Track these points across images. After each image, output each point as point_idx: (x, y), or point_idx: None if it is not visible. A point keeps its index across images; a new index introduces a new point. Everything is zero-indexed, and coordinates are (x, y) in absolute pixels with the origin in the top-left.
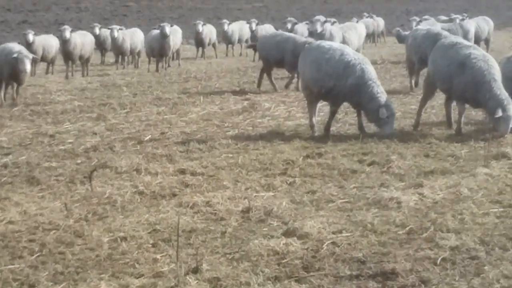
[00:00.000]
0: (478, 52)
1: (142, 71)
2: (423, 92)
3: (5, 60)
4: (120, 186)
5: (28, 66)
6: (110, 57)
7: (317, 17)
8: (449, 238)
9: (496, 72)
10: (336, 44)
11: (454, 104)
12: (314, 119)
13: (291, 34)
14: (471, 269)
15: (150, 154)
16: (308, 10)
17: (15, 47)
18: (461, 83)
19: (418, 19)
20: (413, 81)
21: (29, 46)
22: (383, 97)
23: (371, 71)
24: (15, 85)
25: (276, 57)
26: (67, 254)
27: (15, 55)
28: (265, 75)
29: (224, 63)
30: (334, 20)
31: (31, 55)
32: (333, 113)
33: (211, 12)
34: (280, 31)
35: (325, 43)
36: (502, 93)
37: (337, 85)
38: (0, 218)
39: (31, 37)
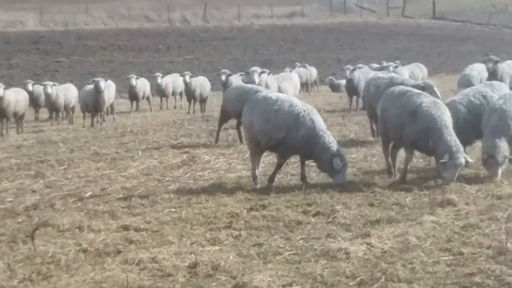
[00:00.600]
0: (428, 99)
1: (77, 127)
2: (381, 140)
3: None
4: (63, 244)
5: None
6: (44, 113)
7: (253, 68)
8: None
9: (447, 118)
10: (282, 95)
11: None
12: (257, 171)
13: (254, 86)
14: None
15: (91, 211)
16: (240, 61)
17: None
18: (413, 131)
19: (351, 67)
20: (375, 128)
21: None
22: (335, 146)
23: (320, 122)
24: None
25: (237, 109)
26: None
27: None
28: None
29: (159, 116)
30: (269, 71)
31: None
32: (279, 166)
33: (142, 65)
34: (241, 84)
35: (272, 94)
36: (453, 139)
37: (287, 137)
38: None
39: None
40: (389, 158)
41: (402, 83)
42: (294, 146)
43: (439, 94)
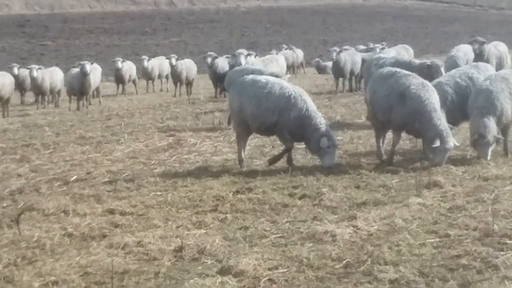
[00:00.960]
0: (417, 80)
1: (63, 110)
2: (371, 123)
3: None
4: (49, 228)
5: None
6: (29, 96)
7: (240, 50)
8: (387, 270)
9: (436, 101)
10: (271, 78)
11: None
12: (243, 154)
13: (257, 68)
14: None
15: (77, 194)
16: (226, 43)
17: None
18: (401, 113)
19: (338, 49)
20: None
21: None
22: (324, 127)
23: (311, 103)
24: None
25: None
26: None
27: None
28: None
29: (145, 99)
30: (255, 53)
31: None
32: (286, 150)
33: (129, 48)
34: (245, 66)
35: (261, 77)
36: (442, 123)
37: (280, 120)
38: None
39: None
40: (379, 142)
41: (409, 63)
42: (287, 128)
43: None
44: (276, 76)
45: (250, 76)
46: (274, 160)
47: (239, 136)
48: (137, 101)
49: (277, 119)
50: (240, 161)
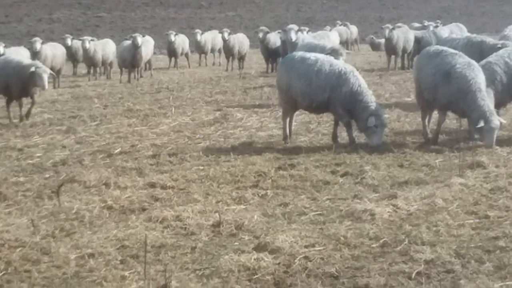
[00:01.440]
0: (463, 60)
1: (114, 82)
2: (417, 102)
3: (17, 74)
4: (89, 201)
5: (46, 83)
6: (82, 68)
7: (290, 26)
8: (424, 251)
9: (482, 81)
10: (321, 55)
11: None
12: (288, 130)
13: (320, 44)
14: (447, 283)
15: (119, 167)
16: (282, 18)
17: (24, 59)
18: (446, 92)
19: (391, 26)
20: None
21: None
22: (374, 105)
23: (362, 80)
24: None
25: None
26: (33, 272)
27: (32, 69)
28: None
29: (197, 73)
30: (308, 29)
31: (48, 70)
32: (348, 125)
33: (184, 22)
34: (309, 41)
35: (310, 55)
36: (486, 104)
37: (331, 97)
38: None
39: (1, 49)
40: (424, 122)
41: (481, 42)
42: (339, 103)
43: None
44: (337, 51)
45: (299, 53)
46: (351, 140)
47: (285, 112)
48: (189, 74)
49: (329, 96)
50: (285, 137)
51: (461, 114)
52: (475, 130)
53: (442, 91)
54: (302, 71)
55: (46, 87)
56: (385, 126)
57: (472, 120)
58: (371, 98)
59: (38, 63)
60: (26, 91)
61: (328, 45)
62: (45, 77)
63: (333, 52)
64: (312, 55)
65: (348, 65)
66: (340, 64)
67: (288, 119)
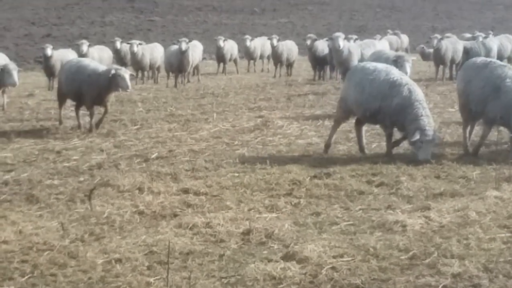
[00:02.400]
0: None
1: (160, 87)
2: (461, 115)
3: (94, 81)
4: (121, 205)
5: (129, 83)
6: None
7: (337, 33)
8: (452, 264)
9: None
10: (381, 65)
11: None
12: (332, 140)
13: (391, 53)
14: None
15: (154, 172)
16: (334, 26)
17: (99, 65)
18: (495, 106)
19: (439, 36)
20: None
21: (47, 60)
22: (425, 120)
23: (419, 92)
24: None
25: None
26: (59, 276)
27: (112, 72)
28: None
29: (244, 79)
30: (356, 37)
31: (129, 71)
32: (388, 136)
33: (236, 27)
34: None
35: (370, 64)
36: None
37: (382, 106)
38: None
39: (49, 51)
40: (465, 134)
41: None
42: (389, 115)
43: None
44: (402, 58)
45: (362, 63)
46: (388, 151)
47: (337, 121)
48: (236, 80)
49: (380, 106)
50: (327, 146)
51: (507, 127)
52: None
53: (491, 105)
54: (358, 80)
55: (130, 87)
56: (432, 141)
57: None
58: (422, 112)
59: (115, 66)
60: (102, 98)
61: (393, 54)
62: (127, 77)
63: (398, 58)
64: (372, 65)
65: (406, 76)
66: (397, 74)
67: (336, 129)
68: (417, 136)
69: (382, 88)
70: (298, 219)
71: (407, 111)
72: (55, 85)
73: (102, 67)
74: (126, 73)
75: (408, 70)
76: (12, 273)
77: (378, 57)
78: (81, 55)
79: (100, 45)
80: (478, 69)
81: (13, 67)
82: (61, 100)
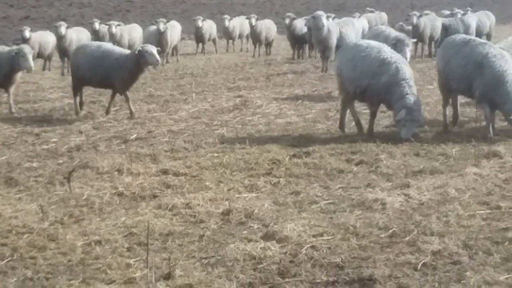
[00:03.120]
0: (495, 50)
1: None
2: (441, 93)
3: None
4: (100, 187)
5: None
6: None
7: (319, 12)
8: (431, 242)
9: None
10: (374, 43)
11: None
12: (345, 120)
13: (386, 31)
14: (452, 275)
15: (134, 153)
16: (313, 4)
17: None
18: (480, 84)
19: (418, 13)
20: None
21: (25, 42)
22: (411, 99)
23: (406, 71)
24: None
25: None
26: (39, 259)
27: (139, 49)
28: None
29: (223, 59)
30: (334, 15)
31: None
32: (373, 115)
33: (214, 7)
34: (378, 28)
35: (363, 42)
36: None
37: (371, 84)
38: None
39: (27, 33)
40: (445, 111)
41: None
42: (378, 93)
43: None
44: (403, 42)
45: (354, 41)
46: (370, 129)
47: (343, 101)
48: (215, 60)
49: (368, 83)
50: (342, 126)
51: (494, 106)
52: (508, 121)
53: (476, 83)
54: (351, 57)
55: (160, 61)
56: (417, 122)
57: (507, 111)
58: (409, 90)
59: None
60: (133, 80)
61: (393, 34)
62: (155, 52)
63: (398, 42)
64: (364, 42)
65: (397, 54)
66: (388, 52)
67: (345, 109)
68: (402, 115)
69: (372, 65)
70: (277, 199)
71: (394, 89)
72: (34, 67)
73: (127, 50)
74: (153, 48)
75: (408, 55)
76: None
77: (376, 35)
78: (60, 36)
79: (78, 27)
80: (458, 47)
81: (28, 50)
82: (78, 87)
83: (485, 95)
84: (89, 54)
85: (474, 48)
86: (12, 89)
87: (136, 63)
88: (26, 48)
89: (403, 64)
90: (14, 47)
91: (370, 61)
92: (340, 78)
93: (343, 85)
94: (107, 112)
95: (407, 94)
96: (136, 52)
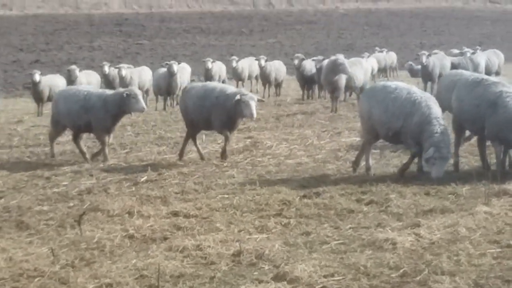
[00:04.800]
0: (508, 88)
1: (149, 110)
2: (454, 133)
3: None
4: (111, 230)
5: (254, 111)
6: None
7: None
8: (443, 281)
9: None
10: (401, 84)
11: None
12: (371, 161)
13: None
14: None
15: (144, 196)
16: (322, 45)
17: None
18: (494, 123)
19: (427, 53)
20: None
21: (35, 86)
22: (439, 137)
23: (437, 110)
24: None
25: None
26: None
27: (237, 97)
28: None
29: None
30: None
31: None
32: (413, 156)
33: (224, 48)
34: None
35: (390, 83)
36: None
37: (404, 126)
38: None
39: (37, 77)
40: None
41: None
42: (410, 133)
43: None
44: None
45: (381, 83)
46: (402, 169)
47: (366, 143)
48: None
49: (402, 125)
50: (368, 168)
51: (508, 144)
52: None
53: (490, 122)
54: (381, 99)
55: (255, 115)
56: (446, 159)
57: None
58: (437, 129)
59: (243, 90)
60: (232, 123)
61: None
62: (253, 104)
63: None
64: (393, 83)
65: (426, 93)
66: (418, 92)
67: (368, 150)
68: (430, 153)
69: (404, 107)
70: (288, 239)
71: (425, 128)
72: (44, 111)
73: (230, 88)
74: (251, 99)
75: None
76: None
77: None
78: (71, 80)
79: (88, 70)
80: (471, 87)
81: (139, 91)
82: (191, 129)
83: (498, 135)
84: (193, 94)
85: (487, 87)
86: (113, 135)
87: (234, 108)
88: (136, 89)
89: (433, 103)
90: (121, 89)
91: (401, 102)
92: (369, 121)
93: (371, 128)
94: (223, 157)
95: (436, 132)
96: (234, 100)
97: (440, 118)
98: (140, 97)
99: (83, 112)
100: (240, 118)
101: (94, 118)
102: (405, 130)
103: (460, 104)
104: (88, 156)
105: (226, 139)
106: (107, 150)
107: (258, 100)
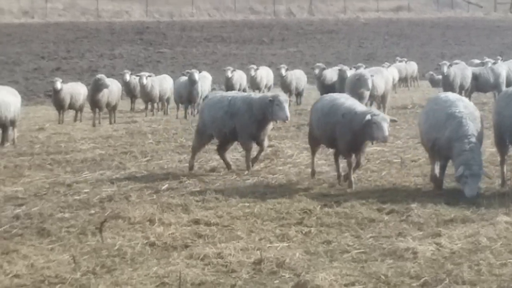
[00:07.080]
0: None
1: (170, 118)
2: (497, 150)
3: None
4: (132, 237)
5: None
6: (140, 103)
7: (364, 72)
8: None
9: None
10: (454, 95)
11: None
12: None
13: None
14: None
15: (165, 203)
16: (343, 54)
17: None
18: None
19: (448, 63)
20: None
21: (56, 93)
22: (469, 155)
23: (470, 127)
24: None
25: None
26: None
27: (368, 118)
28: None
29: None
30: (363, 65)
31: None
32: (442, 168)
33: (245, 57)
34: None
35: (443, 94)
36: None
37: (437, 138)
38: (6, 272)
39: (59, 84)
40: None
41: None
42: (443, 148)
43: None
44: None
45: (440, 93)
46: (439, 182)
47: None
48: None
49: (436, 137)
50: (439, 182)
51: None
52: None
53: None
54: (428, 109)
55: (387, 139)
56: (478, 176)
57: None
58: (467, 146)
59: (374, 110)
60: (358, 145)
61: None
62: (385, 126)
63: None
64: (444, 94)
65: (469, 109)
66: (460, 107)
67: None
68: (460, 172)
69: (439, 119)
70: (309, 248)
71: (454, 145)
72: (65, 118)
73: (360, 107)
74: (384, 120)
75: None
76: None
77: None
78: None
79: (109, 78)
80: (509, 98)
81: (284, 99)
82: (314, 146)
83: None
84: (319, 108)
85: None
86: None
87: (362, 129)
88: (282, 96)
89: (469, 120)
90: (268, 94)
91: (439, 114)
92: (418, 128)
93: (420, 136)
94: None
95: (465, 150)
96: (364, 120)
97: (472, 136)
98: (285, 104)
99: (228, 118)
100: (366, 141)
101: (239, 124)
102: (438, 143)
103: (499, 117)
104: (233, 167)
105: (350, 165)
106: (250, 159)
107: (391, 121)
